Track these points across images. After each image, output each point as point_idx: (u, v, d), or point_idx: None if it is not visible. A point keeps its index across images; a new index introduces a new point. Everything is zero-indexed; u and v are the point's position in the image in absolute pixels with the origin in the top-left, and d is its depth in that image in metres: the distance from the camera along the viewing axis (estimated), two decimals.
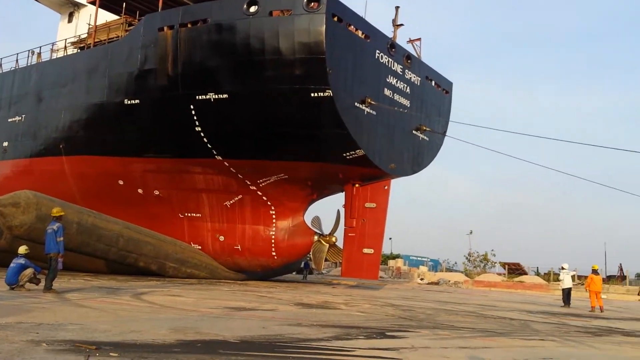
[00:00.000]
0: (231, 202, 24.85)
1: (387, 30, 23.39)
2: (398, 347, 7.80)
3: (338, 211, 25.91)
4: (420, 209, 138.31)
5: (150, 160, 24.03)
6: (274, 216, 25.20)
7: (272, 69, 20.07)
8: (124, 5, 26.15)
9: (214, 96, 20.95)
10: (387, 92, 22.55)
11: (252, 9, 20.01)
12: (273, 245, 25.22)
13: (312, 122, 20.76)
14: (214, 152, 22.37)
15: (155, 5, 24.16)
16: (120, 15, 26.77)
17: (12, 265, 13.68)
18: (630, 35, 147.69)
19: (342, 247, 25.17)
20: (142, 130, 23.48)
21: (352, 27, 20.88)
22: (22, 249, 14.25)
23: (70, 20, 32.60)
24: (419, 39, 26.09)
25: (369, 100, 21.27)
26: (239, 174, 23.42)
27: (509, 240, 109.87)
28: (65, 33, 31.21)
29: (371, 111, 21.66)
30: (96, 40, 26.73)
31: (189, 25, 21.36)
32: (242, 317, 10.65)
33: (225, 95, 20.85)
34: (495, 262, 58.93)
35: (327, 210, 29.60)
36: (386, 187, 25.36)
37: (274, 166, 22.84)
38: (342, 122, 20.34)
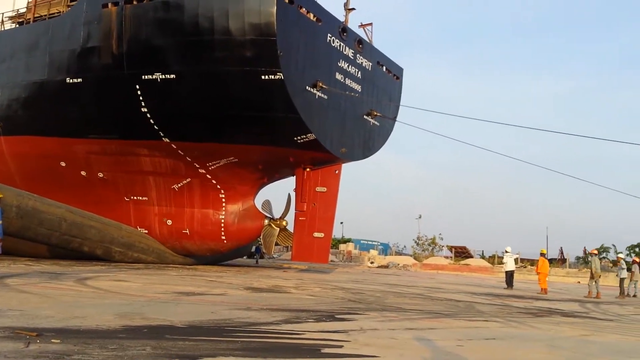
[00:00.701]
0: (179, 185, 24.40)
1: (338, 13, 23.35)
2: (347, 330, 7.85)
3: (289, 195, 25.90)
4: (371, 194, 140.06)
5: (94, 141, 23.26)
6: (223, 200, 24.92)
7: (222, 50, 19.69)
8: None
9: (160, 76, 20.40)
10: (338, 76, 22.53)
11: None
12: (223, 229, 24.98)
13: (263, 105, 20.53)
14: (161, 134, 21.84)
15: None
16: None
17: None
18: (571, 27, 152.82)
19: (292, 231, 25.18)
20: (85, 110, 22.65)
21: (304, 9, 20.68)
22: None
23: None
24: (371, 24, 26.15)
25: (321, 84, 21.20)
26: (188, 157, 22.98)
27: (456, 224, 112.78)
28: (2, 7, 29.62)
29: (323, 95, 21.61)
30: (36, 15, 25.47)
31: (135, 2, 20.64)
32: (190, 302, 10.49)
33: (172, 76, 20.34)
34: (442, 246, 60.51)
35: (278, 194, 29.51)
36: (337, 172, 25.48)
37: (223, 149, 22.52)
38: (293, 105, 20.21)
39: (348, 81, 23.11)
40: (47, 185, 23.94)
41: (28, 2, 26.96)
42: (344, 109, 23.37)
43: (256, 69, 19.60)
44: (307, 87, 20.83)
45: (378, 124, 26.09)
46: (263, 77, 19.56)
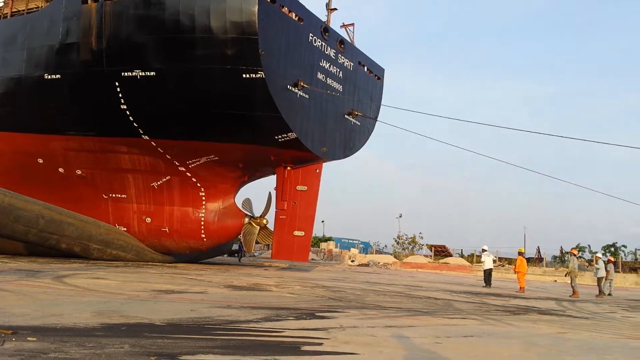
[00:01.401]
0: (159, 183, 24.23)
1: (320, 13, 23.39)
2: (327, 327, 7.89)
3: (269, 193, 25.89)
4: (352, 193, 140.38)
5: (72, 138, 22.99)
6: (203, 198, 24.81)
7: (203, 48, 19.59)
8: None
9: (140, 73, 20.24)
10: (320, 76, 22.56)
11: None
12: (202, 227, 24.87)
13: (244, 104, 20.48)
14: (141, 132, 21.67)
15: None
16: None
17: None
18: (552, 31, 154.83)
19: (273, 230, 25.15)
20: (63, 106, 22.35)
21: (286, 8, 20.67)
22: None
23: None
24: (353, 24, 26.22)
25: (302, 83, 21.22)
26: (167, 155, 22.83)
27: (436, 223, 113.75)
28: None
29: (304, 94, 21.62)
30: (14, 10, 25.06)
31: None
32: (169, 300, 10.44)
33: (152, 73, 20.18)
34: (422, 245, 60.97)
35: (259, 192, 29.52)
36: (318, 171, 25.51)
37: (204, 147, 22.42)
38: (275, 104, 20.19)
39: (329, 81, 23.17)
40: (24, 182, 23.61)
41: None
42: (325, 109, 23.42)
43: (237, 68, 19.54)
44: (288, 86, 20.83)
45: (359, 123, 26.18)
46: (244, 75, 19.51)
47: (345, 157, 26.71)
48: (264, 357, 5.53)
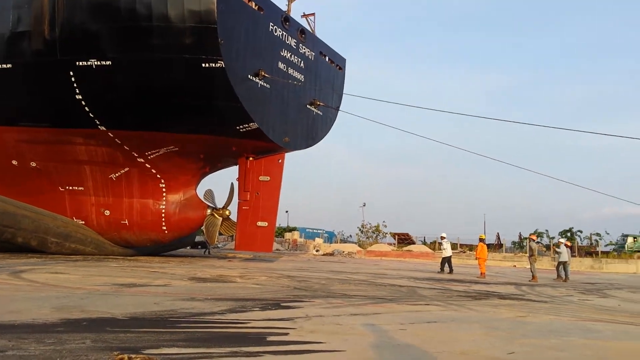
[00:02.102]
0: (117, 174, 23.71)
1: (281, 3, 23.18)
2: (293, 317, 7.89)
3: (232, 184, 25.66)
4: (316, 183, 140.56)
5: (25, 129, 22.23)
6: (164, 189, 24.41)
7: (160, 37, 19.16)
8: None
9: (96, 62, 19.68)
10: (281, 65, 22.41)
11: None
12: (163, 219, 24.50)
13: (204, 94, 20.18)
14: (97, 122, 21.12)
15: None
16: None
17: None
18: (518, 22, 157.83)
19: (236, 221, 24.98)
20: (15, 97, 21.58)
21: None
22: None
23: None
24: (313, 14, 26.11)
25: (263, 73, 21.04)
26: (125, 146, 22.34)
27: (399, 211, 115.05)
28: None
29: (265, 84, 21.44)
30: None
31: None
32: (132, 294, 10.24)
33: (108, 62, 19.65)
34: (386, 233, 61.46)
35: (221, 183, 29.20)
36: (280, 161, 25.44)
37: (163, 138, 22.02)
38: (235, 94, 19.96)
39: (291, 70, 23.04)
40: None
41: None
42: (286, 99, 23.30)
43: (196, 57, 19.21)
44: (249, 76, 20.62)
45: (321, 113, 26.17)
46: (204, 65, 19.20)
47: (307, 147, 26.67)
48: (230, 348, 5.49)
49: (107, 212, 24.28)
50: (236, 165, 25.15)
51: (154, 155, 22.91)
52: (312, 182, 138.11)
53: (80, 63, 19.81)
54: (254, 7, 20.77)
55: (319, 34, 26.04)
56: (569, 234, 57.09)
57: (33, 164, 23.32)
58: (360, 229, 63.32)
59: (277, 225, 40.26)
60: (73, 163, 23.34)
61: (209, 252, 37.76)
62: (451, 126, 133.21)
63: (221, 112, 20.76)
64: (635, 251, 48.61)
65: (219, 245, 45.19)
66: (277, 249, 48.34)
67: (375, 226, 62.23)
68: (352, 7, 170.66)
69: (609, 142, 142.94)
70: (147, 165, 23.38)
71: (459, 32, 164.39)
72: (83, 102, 20.46)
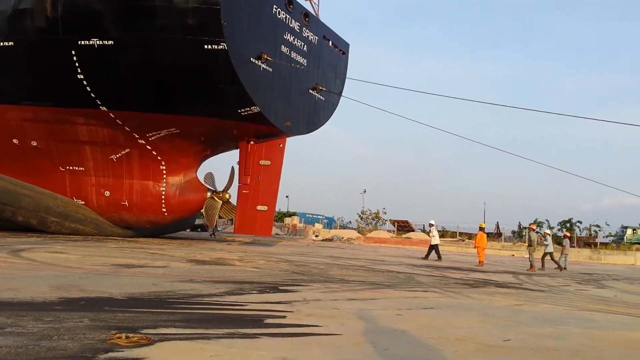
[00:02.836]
0: (118, 156, 23.68)
1: None
2: (290, 301, 7.93)
3: (232, 168, 25.63)
4: (317, 168, 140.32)
5: (27, 108, 22.17)
6: (164, 171, 24.39)
7: (163, 17, 19.04)
8: None
9: (98, 42, 19.56)
10: (284, 49, 22.25)
11: None
12: (163, 201, 24.50)
13: (206, 76, 20.08)
14: (98, 102, 21.05)
15: None
16: None
17: None
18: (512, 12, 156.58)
19: (235, 204, 24.99)
20: (17, 75, 21.50)
21: None
22: None
23: None
24: None
25: (266, 56, 20.91)
26: (126, 127, 22.27)
27: (399, 199, 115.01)
28: None
29: (267, 67, 21.32)
30: None
31: None
32: (130, 275, 10.28)
33: (110, 42, 19.54)
34: (386, 220, 61.58)
35: (222, 166, 29.17)
36: (281, 145, 25.35)
37: (164, 120, 21.95)
38: (237, 77, 19.86)
39: (293, 54, 22.89)
40: None
41: None
42: (289, 83, 23.18)
43: (199, 38, 19.09)
44: (251, 59, 20.50)
45: (323, 98, 26.04)
46: (206, 46, 19.09)
47: (309, 132, 26.60)
48: (227, 330, 5.52)
49: (107, 193, 24.30)
50: (237, 148, 25.09)
51: (155, 136, 22.86)
52: (313, 167, 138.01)
53: (83, 42, 19.68)
54: None
55: (323, 18, 25.88)
56: (568, 225, 57.14)
57: (34, 144, 23.29)
58: (360, 216, 63.45)
59: (277, 209, 40.25)
60: (74, 143, 23.31)
61: (214, 234, 37.65)
62: (454, 114, 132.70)
63: (223, 94, 20.67)
64: (634, 243, 48.73)
65: (218, 229, 45.24)
66: (276, 234, 48.46)
67: (375, 213, 62.34)
68: None
69: (606, 133, 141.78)
70: (147, 146, 23.34)
71: (459, 20, 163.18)
72: (85, 82, 20.36)
